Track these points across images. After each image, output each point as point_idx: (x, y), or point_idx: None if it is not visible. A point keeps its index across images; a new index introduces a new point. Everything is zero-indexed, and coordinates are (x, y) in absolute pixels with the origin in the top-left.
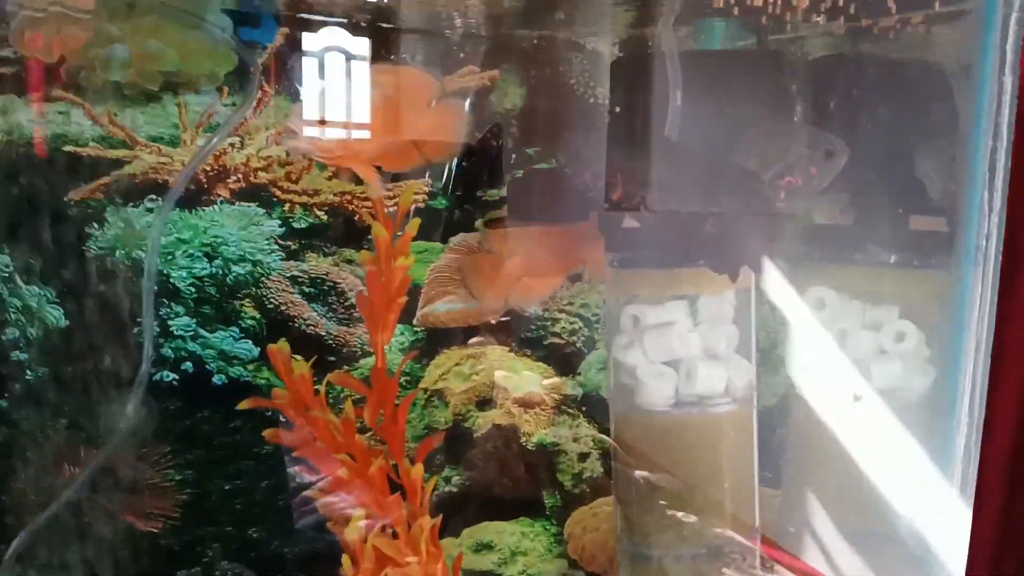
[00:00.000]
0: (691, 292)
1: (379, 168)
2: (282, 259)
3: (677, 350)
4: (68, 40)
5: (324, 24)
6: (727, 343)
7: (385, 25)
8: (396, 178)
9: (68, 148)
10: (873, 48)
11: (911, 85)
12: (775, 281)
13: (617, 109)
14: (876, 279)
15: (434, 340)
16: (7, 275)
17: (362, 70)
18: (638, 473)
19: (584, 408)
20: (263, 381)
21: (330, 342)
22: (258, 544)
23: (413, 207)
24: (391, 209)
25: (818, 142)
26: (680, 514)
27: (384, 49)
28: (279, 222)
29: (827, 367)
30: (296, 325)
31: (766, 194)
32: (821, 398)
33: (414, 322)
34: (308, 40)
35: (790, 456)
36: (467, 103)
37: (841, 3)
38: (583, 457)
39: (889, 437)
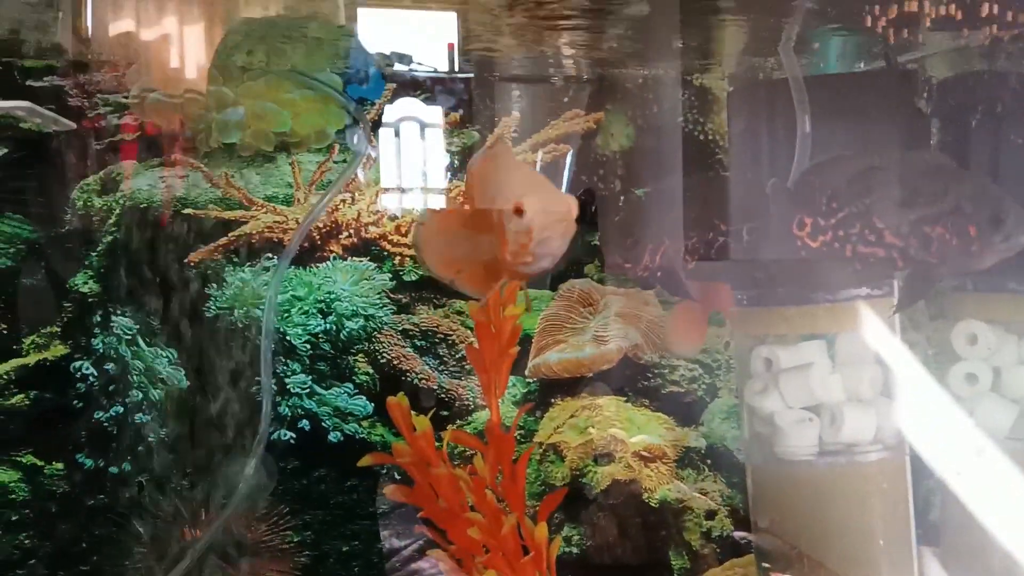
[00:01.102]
0: (828, 331)
1: None
2: (393, 312)
3: (818, 394)
4: (186, 105)
5: (429, 79)
6: (871, 384)
7: (490, 75)
8: None
9: (188, 211)
10: (1012, 64)
11: None
12: (921, 315)
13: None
14: None
15: (547, 391)
16: (130, 337)
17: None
18: (737, 534)
19: (709, 461)
20: (378, 438)
21: (442, 396)
22: None
23: None
24: None
25: (985, 200)
26: None
27: (489, 99)
28: (390, 275)
29: (981, 409)
30: (409, 379)
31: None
32: (974, 444)
33: (526, 373)
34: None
35: (946, 510)
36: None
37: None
38: (711, 515)
39: None
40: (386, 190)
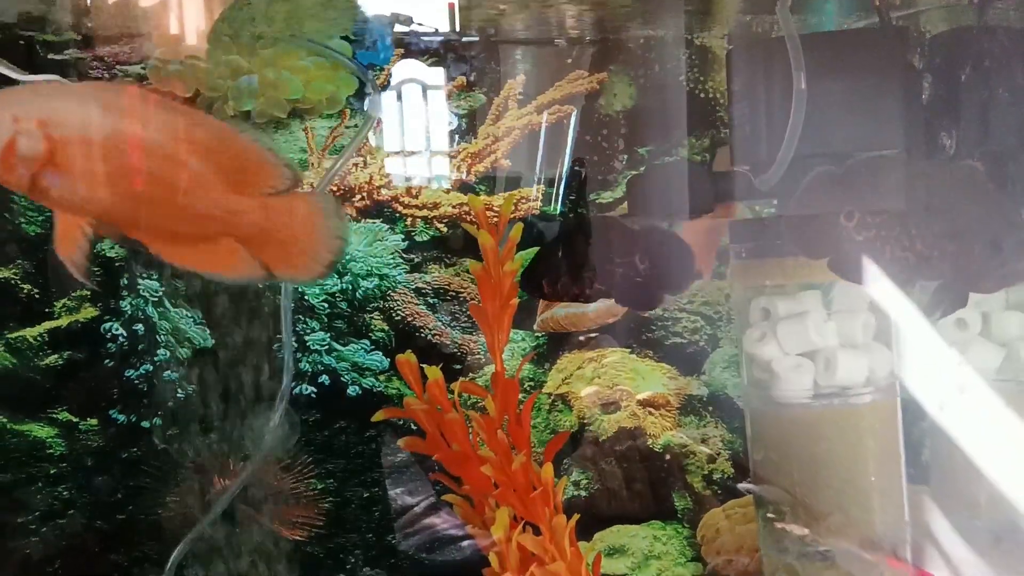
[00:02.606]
0: (824, 280)
1: None
2: (406, 272)
3: (814, 340)
4: (201, 74)
5: (437, 43)
6: (865, 331)
7: (495, 39)
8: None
9: None
10: (1000, 19)
11: None
12: None
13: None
14: None
15: (555, 345)
16: (156, 299)
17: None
18: (741, 485)
19: (711, 408)
20: (394, 391)
21: (455, 350)
22: (396, 551)
23: (528, 214)
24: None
25: (991, 222)
26: (791, 527)
27: (494, 62)
28: (402, 236)
29: (970, 352)
30: (422, 335)
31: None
32: (960, 386)
33: (535, 327)
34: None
35: (935, 450)
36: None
37: None
38: (712, 458)
39: None
40: (394, 153)
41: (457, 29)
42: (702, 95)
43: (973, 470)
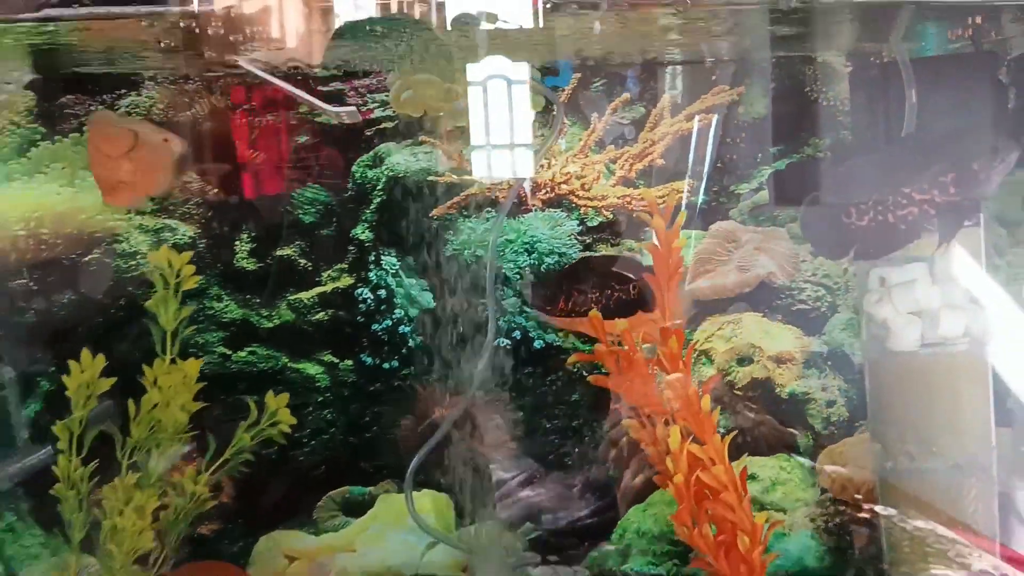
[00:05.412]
0: (928, 254)
1: None
2: (580, 251)
3: (921, 302)
4: (427, 98)
5: (607, 71)
6: (962, 294)
7: (653, 62)
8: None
9: (431, 178)
10: None
11: None
12: (1000, 240)
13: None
14: None
15: (700, 310)
16: (394, 271)
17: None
18: (828, 468)
19: (830, 363)
20: (570, 345)
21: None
22: (571, 470)
23: (680, 201)
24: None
25: (978, 141)
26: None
27: (653, 80)
28: (577, 222)
29: None
30: None
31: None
32: None
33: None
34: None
35: (1019, 396)
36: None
37: None
38: (830, 404)
39: None
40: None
41: (537, 21)
42: (824, 103)
43: None
